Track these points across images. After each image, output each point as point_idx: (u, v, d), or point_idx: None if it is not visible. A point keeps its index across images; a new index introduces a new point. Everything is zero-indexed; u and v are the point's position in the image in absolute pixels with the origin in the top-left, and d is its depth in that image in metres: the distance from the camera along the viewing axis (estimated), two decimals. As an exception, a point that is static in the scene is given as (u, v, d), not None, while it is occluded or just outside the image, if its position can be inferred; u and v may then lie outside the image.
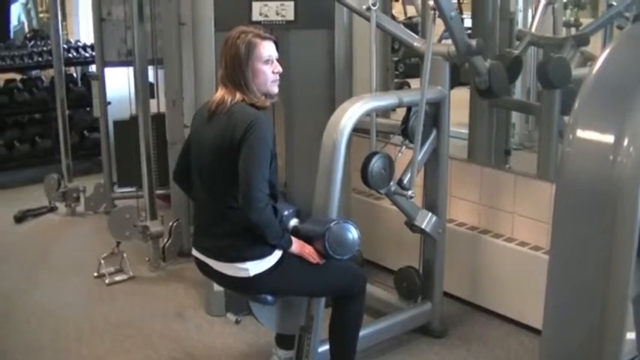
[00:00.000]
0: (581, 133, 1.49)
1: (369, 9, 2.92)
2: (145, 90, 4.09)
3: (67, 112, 5.18)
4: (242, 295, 2.68)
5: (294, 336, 2.78)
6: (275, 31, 2.91)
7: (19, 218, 5.02)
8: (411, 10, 5.78)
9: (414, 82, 5.01)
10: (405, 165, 2.94)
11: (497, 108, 3.72)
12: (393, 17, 4.53)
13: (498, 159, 3.81)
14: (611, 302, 1.47)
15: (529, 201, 3.31)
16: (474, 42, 2.86)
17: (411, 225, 3.08)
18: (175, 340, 3.31)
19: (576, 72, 3.31)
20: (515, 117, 4.14)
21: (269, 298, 2.58)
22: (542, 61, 3.58)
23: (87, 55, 6.52)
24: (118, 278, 3.97)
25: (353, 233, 2.52)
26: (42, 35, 7.17)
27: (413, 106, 2.89)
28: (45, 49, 6.30)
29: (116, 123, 5.09)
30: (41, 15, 8.63)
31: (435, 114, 3.03)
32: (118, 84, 4.76)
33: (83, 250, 4.41)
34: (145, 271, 4.09)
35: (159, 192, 4.41)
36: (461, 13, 4.15)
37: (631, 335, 1.65)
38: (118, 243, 4.07)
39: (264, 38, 2.47)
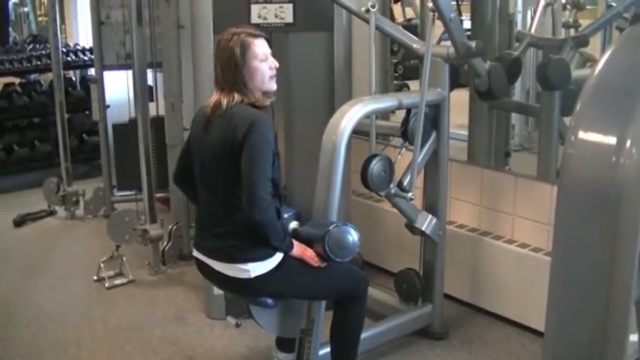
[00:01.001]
0: (583, 135, 1.48)
1: (368, 11, 2.92)
2: (144, 93, 4.09)
3: (66, 115, 5.18)
4: (242, 297, 2.67)
5: (294, 339, 2.78)
6: (274, 33, 2.91)
7: (19, 222, 5.01)
8: (410, 12, 5.77)
9: (414, 84, 5.00)
10: (404, 167, 2.94)
11: (497, 109, 3.72)
12: (392, 19, 4.53)
13: (498, 161, 3.81)
14: (614, 304, 1.46)
15: (529, 202, 3.30)
16: (473, 44, 2.87)
17: (411, 227, 3.08)
18: (175, 344, 3.31)
19: (576, 73, 3.32)
20: (515, 118, 4.14)
21: (269, 301, 2.57)
22: (542, 62, 3.58)
23: (86, 58, 6.48)
24: (117, 282, 3.97)
25: (353, 236, 2.51)
26: (40, 40, 7.14)
27: (412, 108, 2.90)
28: (44, 52, 6.28)
29: (115, 126, 5.10)
30: (40, 18, 8.60)
31: (435, 116, 3.03)
32: (117, 87, 4.77)
33: (83, 254, 4.41)
34: (145, 275, 4.09)
35: (158, 195, 4.40)
36: (460, 14, 4.14)
37: (634, 337, 1.64)
38: (118, 246, 4.07)
39: (256, 36, 2.47)
